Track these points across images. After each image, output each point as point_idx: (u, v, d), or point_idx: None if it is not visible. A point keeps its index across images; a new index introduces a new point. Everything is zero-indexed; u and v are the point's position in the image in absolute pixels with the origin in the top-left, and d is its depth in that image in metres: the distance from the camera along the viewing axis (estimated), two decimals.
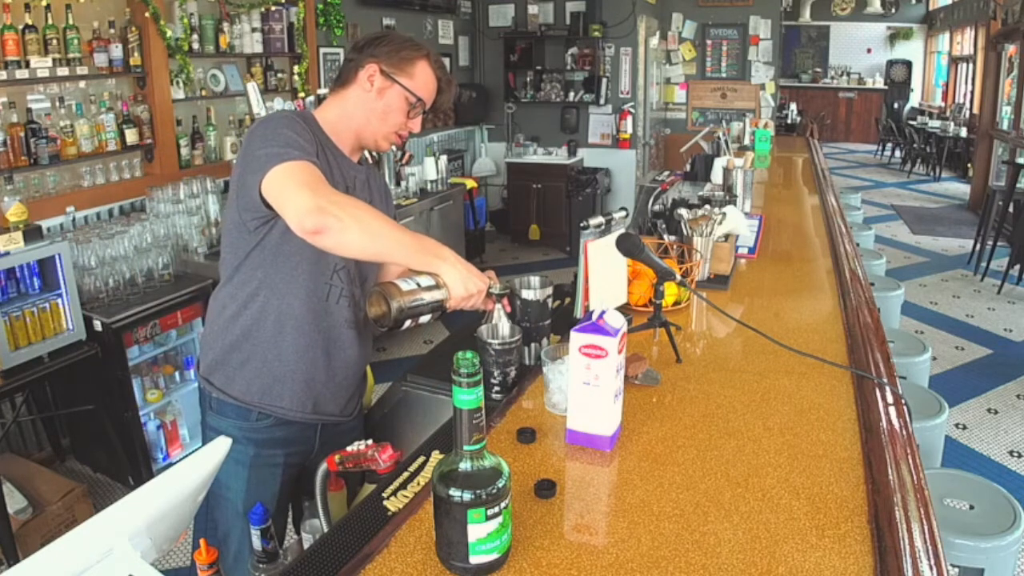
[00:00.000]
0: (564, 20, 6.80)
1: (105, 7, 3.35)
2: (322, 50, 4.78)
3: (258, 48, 4.21)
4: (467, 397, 0.86)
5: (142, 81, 3.56)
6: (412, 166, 4.90)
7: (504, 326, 1.48)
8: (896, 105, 13.95)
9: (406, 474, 1.30)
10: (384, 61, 1.49)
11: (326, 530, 1.39)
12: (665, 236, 2.20)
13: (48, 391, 3.11)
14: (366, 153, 1.66)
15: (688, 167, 4.15)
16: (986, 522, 1.66)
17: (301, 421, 1.56)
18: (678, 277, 1.60)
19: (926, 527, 1.02)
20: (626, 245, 1.56)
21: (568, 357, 1.21)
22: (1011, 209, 5.96)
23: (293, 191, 1.26)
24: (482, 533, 0.89)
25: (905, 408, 1.36)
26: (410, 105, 1.52)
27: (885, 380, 1.45)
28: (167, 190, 3.45)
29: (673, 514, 1.04)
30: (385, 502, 1.22)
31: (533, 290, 1.57)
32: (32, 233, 2.66)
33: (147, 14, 3.45)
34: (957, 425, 3.66)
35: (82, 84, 3.32)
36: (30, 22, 2.97)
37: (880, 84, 14.61)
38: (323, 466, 1.43)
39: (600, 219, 1.74)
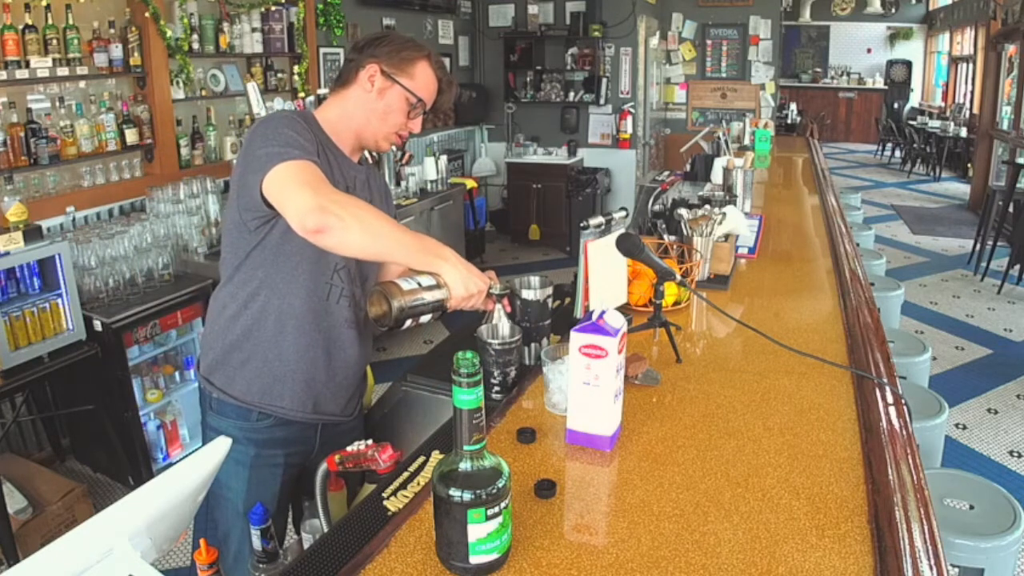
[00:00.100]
0: (564, 20, 6.80)
1: (105, 7, 3.35)
2: (322, 50, 4.78)
3: (258, 48, 4.21)
4: (467, 397, 0.86)
5: (142, 81, 3.56)
6: (412, 166, 4.91)
7: (504, 326, 1.48)
8: (896, 105, 13.95)
9: (406, 474, 1.30)
10: (385, 61, 1.49)
11: (326, 530, 1.39)
12: (665, 236, 2.20)
13: (48, 391, 3.11)
14: (366, 153, 1.66)
15: (688, 167, 4.15)
16: (986, 522, 1.66)
17: (301, 421, 1.56)
18: (678, 277, 1.60)
19: (926, 527, 1.02)
20: (626, 245, 1.56)
21: (568, 357, 1.21)
22: (1011, 209, 5.96)
23: (294, 190, 1.26)
24: (482, 533, 0.89)
25: (905, 408, 1.36)
26: (410, 105, 1.52)
27: (885, 380, 1.45)
28: (167, 190, 3.45)
29: (673, 514, 1.04)
30: (385, 502, 1.22)
31: (533, 290, 1.57)
32: (32, 233, 2.66)
33: (147, 14, 3.45)
34: (957, 425, 3.66)
35: (82, 84, 3.32)
36: (30, 22, 2.98)
37: (880, 84, 14.61)
38: (323, 466, 1.43)
39: (600, 219, 1.74)
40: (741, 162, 3.05)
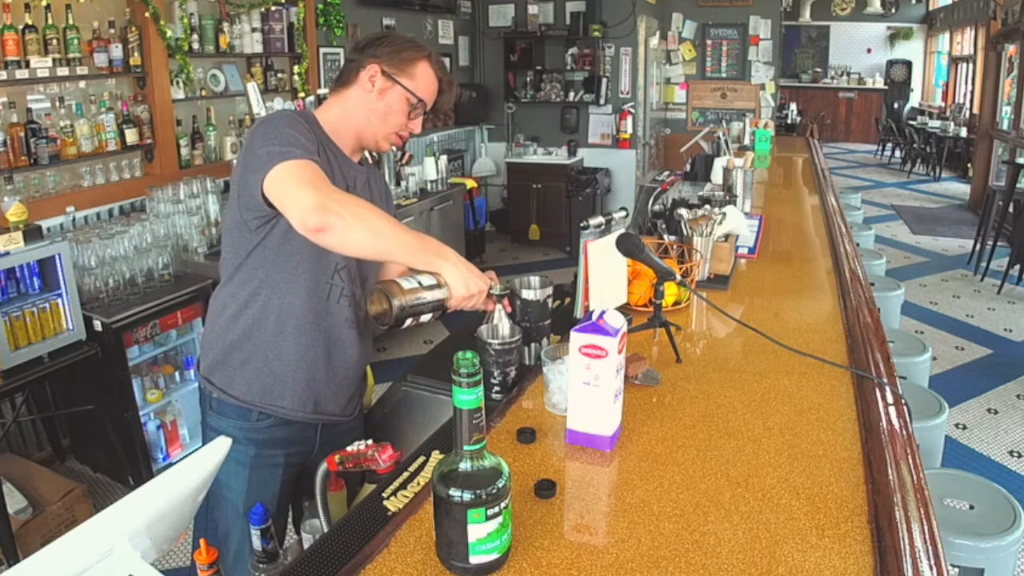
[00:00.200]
0: (564, 20, 6.80)
1: (105, 7, 3.35)
2: (322, 50, 4.78)
3: (258, 48, 4.21)
4: (467, 397, 0.86)
5: (142, 81, 3.56)
6: (412, 166, 4.91)
7: (504, 326, 1.48)
8: (896, 105, 13.95)
9: (406, 474, 1.30)
10: (385, 62, 1.49)
11: (326, 530, 1.39)
12: (665, 236, 2.20)
13: (48, 391, 3.11)
14: (366, 153, 1.66)
15: (688, 167, 4.15)
16: (986, 522, 1.66)
17: (302, 421, 1.56)
18: (678, 277, 1.60)
19: (926, 527, 1.02)
20: (626, 245, 1.56)
21: (568, 357, 1.21)
22: (1011, 209, 5.96)
23: (295, 189, 1.26)
24: (482, 533, 0.89)
25: (905, 408, 1.36)
26: (411, 106, 1.52)
27: (885, 380, 1.45)
28: (167, 190, 3.45)
29: (673, 514, 1.04)
30: (385, 502, 1.22)
31: (533, 290, 1.57)
32: (32, 233, 2.66)
33: (147, 14, 3.45)
34: (957, 425, 3.66)
35: (82, 84, 3.32)
36: (30, 22, 2.98)
37: (880, 84, 14.60)
38: (323, 466, 1.43)
39: (600, 219, 1.74)
40: (741, 162, 3.05)
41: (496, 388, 1.48)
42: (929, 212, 8.75)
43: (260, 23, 4.19)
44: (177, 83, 3.71)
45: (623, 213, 1.81)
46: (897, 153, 12.73)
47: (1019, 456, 3.41)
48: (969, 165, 9.85)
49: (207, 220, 3.49)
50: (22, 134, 3.00)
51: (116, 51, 3.35)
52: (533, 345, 1.60)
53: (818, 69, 15.00)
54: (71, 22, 3.10)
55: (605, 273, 1.70)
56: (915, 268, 6.42)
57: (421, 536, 1.00)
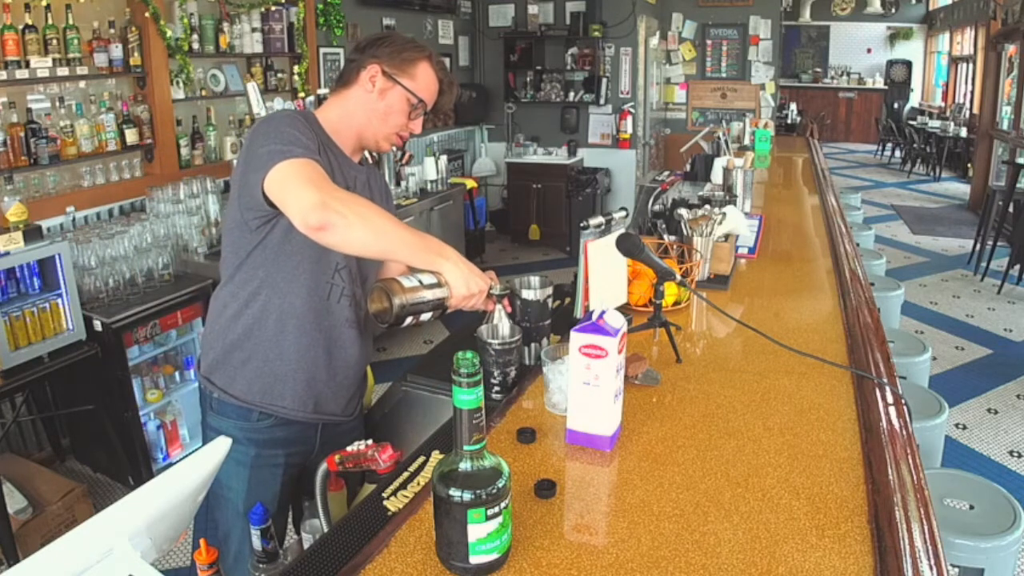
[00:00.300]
0: (564, 20, 6.80)
1: (105, 7, 3.35)
2: (322, 50, 4.78)
3: (258, 48, 4.21)
4: (467, 397, 0.86)
5: (142, 81, 3.56)
6: (412, 166, 4.91)
7: (504, 326, 1.48)
8: (896, 105, 13.95)
9: (406, 474, 1.30)
10: (386, 62, 1.50)
11: (326, 530, 1.39)
12: (665, 236, 2.20)
13: (48, 391, 3.11)
14: (366, 153, 1.66)
15: (688, 167, 4.15)
16: (986, 522, 1.66)
17: (302, 421, 1.56)
18: (678, 277, 1.60)
19: (926, 527, 1.02)
20: (626, 245, 1.56)
21: (568, 357, 1.21)
22: (1011, 209, 5.96)
23: (297, 187, 1.26)
24: (482, 533, 0.89)
25: (905, 408, 1.36)
26: (411, 106, 1.52)
27: (885, 380, 1.45)
28: (167, 190, 3.45)
29: (673, 514, 1.04)
30: (385, 502, 1.22)
31: (533, 290, 1.57)
32: (32, 233, 2.66)
33: (147, 14, 3.45)
34: (957, 425, 3.66)
35: (82, 84, 3.32)
36: (30, 22, 2.98)
37: (880, 84, 14.60)
38: (323, 466, 1.43)
39: (600, 219, 1.74)
40: (741, 162, 3.05)
41: (496, 388, 1.48)
42: (929, 212, 8.75)
43: (260, 23, 4.19)
44: (177, 83, 3.71)
45: (623, 213, 1.81)
46: (897, 153, 12.73)
47: (1019, 456, 3.41)
48: (969, 165, 9.85)
49: (207, 220, 3.49)
50: (22, 134, 3.00)
51: (116, 51, 3.35)
52: (533, 345, 1.60)
53: (818, 69, 15.00)
54: (71, 22, 3.10)
55: (605, 273, 1.70)
56: (915, 268, 6.42)
57: (421, 536, 1.00)
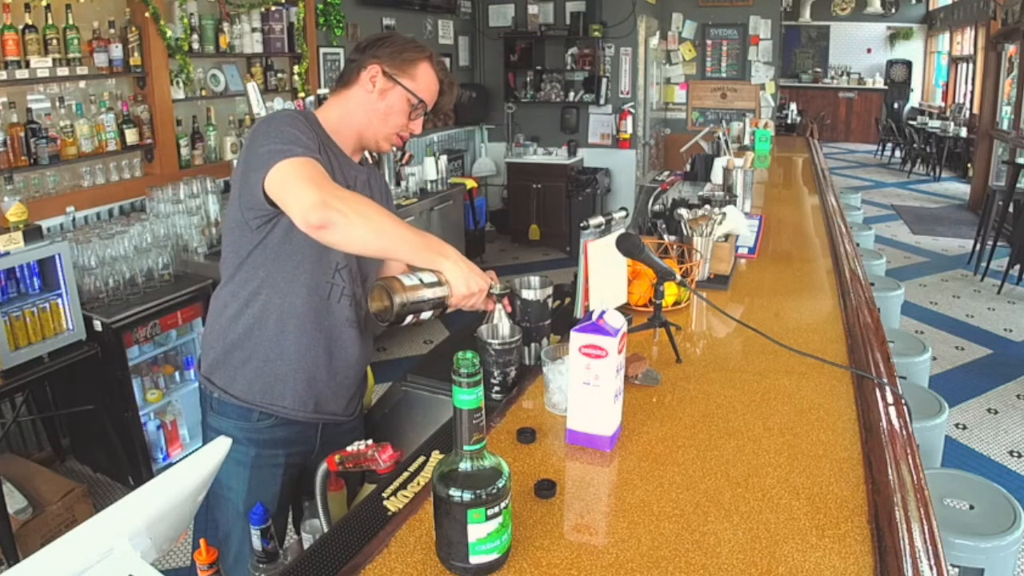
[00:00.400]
0: (564, 20, 6.80)
1: (105, 7, 3.35)
2: (322, 50, 4.78)
3: (258, 48, 4.21)
4: (467, 397, 0.86)
5: (142, 81, 3.56)
6: (412, 166, 4.91)
7: (504, 326, 1.48)
8: (896, 105, 13.95)
9: (406, 474, 1.30)
10: (386, 62, 1.50)
11: (326, 530, 1.39)
12: (665, 236, 2.20)
13: (48, 391, 3.11)
14: (367, 153, 1.66)
15: (688, 167, 4.15)
16: (986, 522, 1.66)
17: (303, 421, 1.56)
18: (678, 277, 1.60)
19: (926, 527, 1.02)
20: (626, 245, 1.56)
21: (568, 357, 1.21)
22: (1011, 209, 5.96)
23: (297, 186, 1.26)
24: (482, 533, 0.89)
25: (905, 408, 1.36)
26: (412, 106, 1.52)
27: (885, 380, 1.45)
28: (167, 190, 3.45)
29: (673, 514, 1.04)
30: (385, 502, 1.22)
31: (533, 290, 1.57)
32: (32, 233, 2.66)
33: (147, 14, 3.45)
34: (957, 425, 3.66)
35: (82, 84, 3.32)
36: (30, 22, 2.97)
37: (880, 84, 14.60)
38: (323, 466, 1.43)
39: (600, 219, 1.74)
40: (741, 162, 3.05)
41: (496, 388, 1.48)
42: (929, 212, 8.75)
43: (260, 23, 4.19)
44: (177, 83, 3.71)
45: (623, 213, 1.81)
46: (897, 153, 12.73)
47: (1019, 456, 3.41)
48: (969, 165, 9.85)
49: (207, 220, 3.49)
50: (22, 134, 3.00)
51: (116, 51, 3.35)
52: (533, 345, 1.60)
53: (818, 69, 15.00)
54: (71, 22, 3.10)
55: (605, 273, 1.70)
56: (915, 268, 6.42)
57: (421, 536, 1.00)
